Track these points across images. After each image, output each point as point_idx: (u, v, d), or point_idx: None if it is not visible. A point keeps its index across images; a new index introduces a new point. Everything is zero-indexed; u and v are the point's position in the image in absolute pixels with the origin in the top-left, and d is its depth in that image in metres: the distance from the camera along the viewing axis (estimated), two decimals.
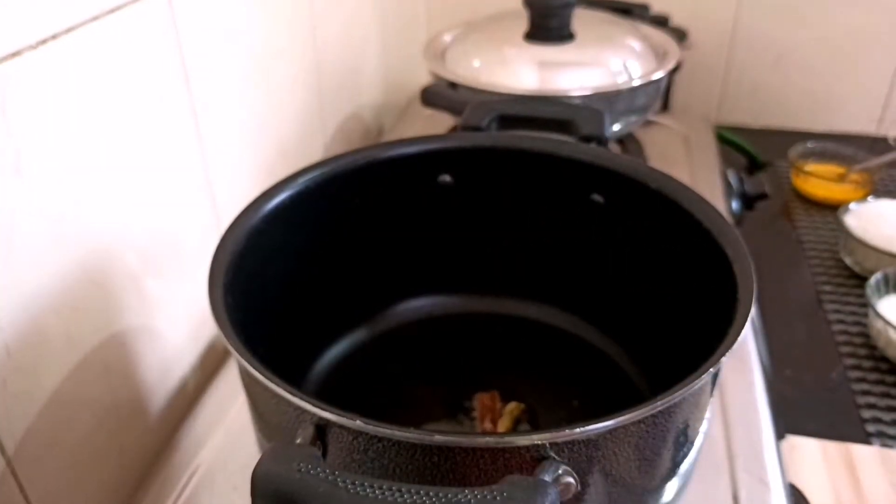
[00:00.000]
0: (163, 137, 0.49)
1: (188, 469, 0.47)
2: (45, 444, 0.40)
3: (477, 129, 0.51)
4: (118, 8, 0.43)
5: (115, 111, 0.44)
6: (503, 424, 0.46)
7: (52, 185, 0.39)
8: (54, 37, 0.38)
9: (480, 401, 0.48)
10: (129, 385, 0.48)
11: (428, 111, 0.73)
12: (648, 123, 0.86)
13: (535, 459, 0.28)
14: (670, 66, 0.73)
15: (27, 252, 0.38)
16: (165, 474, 0.47)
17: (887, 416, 0.61)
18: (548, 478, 0.28)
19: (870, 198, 0.83)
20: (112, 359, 0.46)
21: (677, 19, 0.91)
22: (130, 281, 0.47)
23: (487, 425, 0.46)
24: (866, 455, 0.57)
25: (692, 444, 0.35)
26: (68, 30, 0.39)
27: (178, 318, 0.53)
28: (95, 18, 0.41)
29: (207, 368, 0.57)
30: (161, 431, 0.52)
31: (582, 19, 0.75)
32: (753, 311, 0.33)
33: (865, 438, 0.59)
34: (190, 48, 0.51)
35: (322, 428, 0.30)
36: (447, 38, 0.80)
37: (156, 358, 0.51)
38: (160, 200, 0.50)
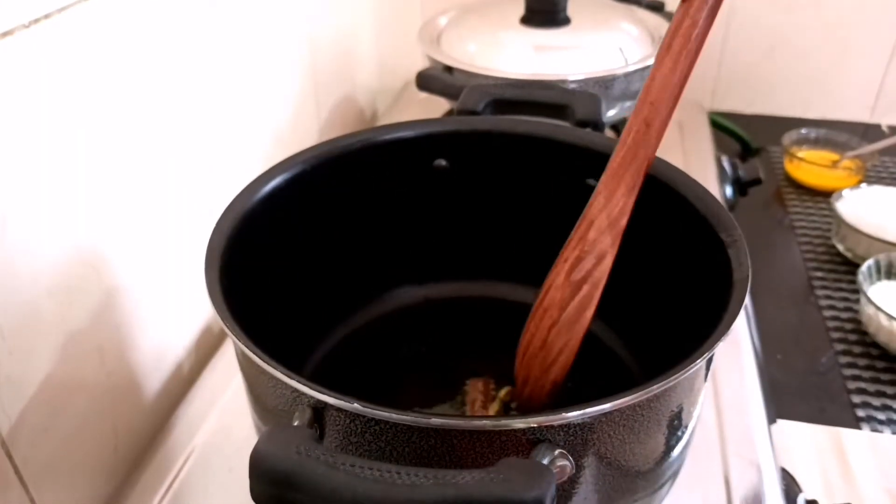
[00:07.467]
0: (157, 119, 0.49)
1: (184, 451, 0.47)
2: (40, 426, 0.40)
3: (473, 113, 0.51)
4: None
5: (108, 92, 0.43)
6: (493, 409, 0.46)
7: (46, 167, 0.39)
8: (47, 16, 0.38)
9: (473, 386, 0.48)
10: (124, 368, 0.48)
11: (423, 95, 0.72)
12: None
13: (530, 442, 0.28)
14: None
15: (21, 233, 0.38)
16: (161, 456, 0.47)
17: (877, 402, 0.61)
18: (544, 460, 0.28)
19: (862, 185, 0.84)
20: (107, 341, 0.46)
21: (672, 5, 0.90)
22: (125, 263, 0.47)
23: (478, 409, 0.46)
24: (856, 439, 0.57)
25: (686, 427, 0.35)
26: (61, 9, 0.39)
27: (172, 302, 0.53)
28: None
29: (202, 352, 0.57)
30: (156, 414, 0.52)
31: (578, 4, 0.75)
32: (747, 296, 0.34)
33: (855, 423, 0.59)
34: (184, 31, 0.51)
35: (319, 410, 0.30)
36: (442, 21, 0.80)
37: (151, 341, 0.51)
38: (155, 182, 0.49)
